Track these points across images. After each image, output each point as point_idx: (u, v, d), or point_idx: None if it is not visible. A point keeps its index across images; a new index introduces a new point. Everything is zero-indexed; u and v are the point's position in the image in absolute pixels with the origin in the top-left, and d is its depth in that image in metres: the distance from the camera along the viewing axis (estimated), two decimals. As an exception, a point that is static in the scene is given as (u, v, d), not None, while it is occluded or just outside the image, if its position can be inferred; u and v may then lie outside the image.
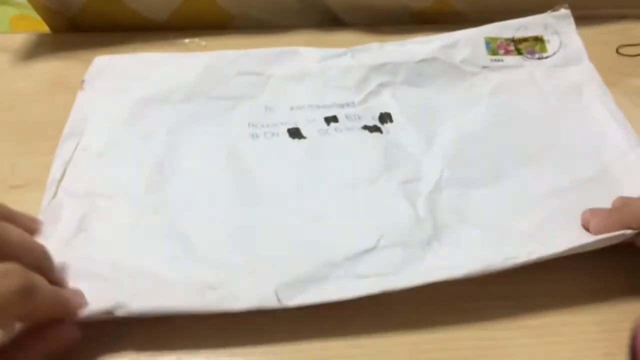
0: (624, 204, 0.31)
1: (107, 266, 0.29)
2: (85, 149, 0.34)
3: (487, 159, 0.35)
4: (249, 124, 0.37)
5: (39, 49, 0.44)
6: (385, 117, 0.37)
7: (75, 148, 0.34)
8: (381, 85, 0.39)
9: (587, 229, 0.30)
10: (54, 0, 0.44)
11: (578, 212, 0.31)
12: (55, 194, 0.32)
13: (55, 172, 0.33)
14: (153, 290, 0.27)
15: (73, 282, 0.28)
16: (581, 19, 0.45)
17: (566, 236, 0.29)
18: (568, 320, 0.29)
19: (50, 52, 0.44)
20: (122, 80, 0.39)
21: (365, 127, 0.36)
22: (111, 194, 0.32)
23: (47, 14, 0.45)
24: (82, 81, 0.38)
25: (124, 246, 0.30)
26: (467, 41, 0.41)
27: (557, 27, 0.42)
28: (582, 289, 0.30)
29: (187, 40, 0.45)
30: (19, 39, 0.45)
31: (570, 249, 0.28)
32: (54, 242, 0.29)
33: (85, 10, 0.45)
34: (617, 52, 0.44)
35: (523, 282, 0.30)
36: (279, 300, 0.27)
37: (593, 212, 0.30)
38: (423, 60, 0.40)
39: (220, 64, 0.40)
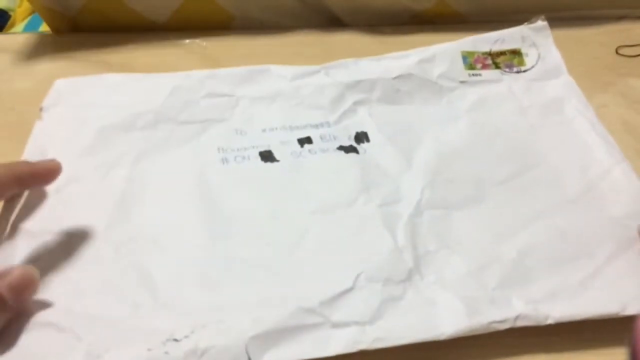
0: None
1: (60, 313, 0.27)
2: None
3: (468, 177, 0.34)
4: (218, 149, 0.35)
5: (40, 49, 0.44)
6: (361, 137, 0.36)
7: None
8: (357, 104, 0.38)
9: None
10: (54, 0, 0.44)
11: (562, 235, 0.31)
12: (6, 232, 0.30)
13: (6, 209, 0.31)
14: (111, 339, 0.26)
15: (25, 332, 0.26)
16: (581, 19, 0.45)
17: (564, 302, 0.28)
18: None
19: (51, 52, 0.44)
20: (84, 106, 0.37)
21: (341, 148, 0.35)
22: (68, 232, 0.30)
23: (48, 14, 0.45)
24: (40, 109, 0.36)
25: (80, 289, 0.28)
26: (444, 56, 0.40)
27: (535, 40, 0.41)
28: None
29: (187, 41, 0.45)
30: (20, 39, 0.45)
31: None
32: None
33: (85, 10, 0.45)
34: (617, 52, 0.44)
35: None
36: (249, 357, 0.26)
37: None
38: (399, 77, 0.39)
39: (187, 86, 0.38)
